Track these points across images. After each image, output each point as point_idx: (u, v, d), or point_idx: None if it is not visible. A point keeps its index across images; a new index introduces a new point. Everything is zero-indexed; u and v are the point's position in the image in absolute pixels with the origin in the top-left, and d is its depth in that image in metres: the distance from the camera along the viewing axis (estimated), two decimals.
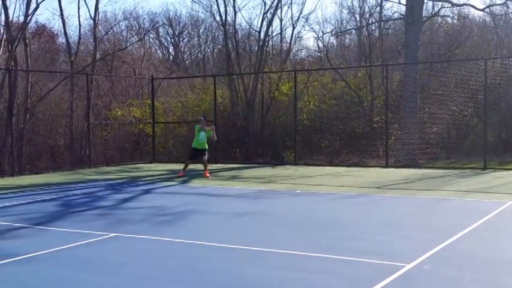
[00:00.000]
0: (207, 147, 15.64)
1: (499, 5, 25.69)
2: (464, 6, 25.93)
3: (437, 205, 10.19)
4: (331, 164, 19.37)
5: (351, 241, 7.11)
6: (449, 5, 25.52)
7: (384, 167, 17.65)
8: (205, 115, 17.85)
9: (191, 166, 19.39)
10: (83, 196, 12.02)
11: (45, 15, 66.24)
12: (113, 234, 7.69)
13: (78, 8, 24.90)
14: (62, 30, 25.45)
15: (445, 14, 27.03)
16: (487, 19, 26.89)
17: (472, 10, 27.13)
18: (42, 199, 11.58)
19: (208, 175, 15.26)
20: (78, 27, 32.61)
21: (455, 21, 27.91)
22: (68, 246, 7.04)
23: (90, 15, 25.34)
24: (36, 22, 30.26)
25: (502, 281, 5.40)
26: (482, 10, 25.33)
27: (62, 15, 24.62)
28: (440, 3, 25.48)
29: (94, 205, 10.69)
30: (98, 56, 25.59)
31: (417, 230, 7.81)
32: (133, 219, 8.98)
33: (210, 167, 18.90)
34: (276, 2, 25.48)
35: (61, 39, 29.73)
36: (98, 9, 24.93)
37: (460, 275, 5.56)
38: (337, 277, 5.53)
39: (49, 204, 10.89)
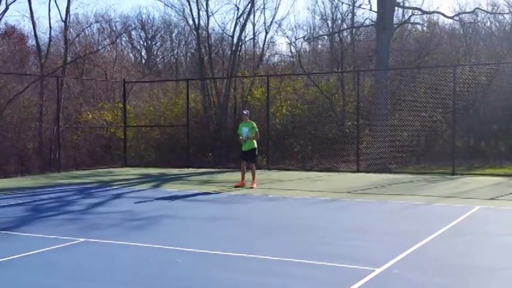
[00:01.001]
0: (255, 145, 14.03)
1: (468, 13, 26.22)
2: (434, 13, 26.46)
3: (407, 210, 10.34)
4: (303, 169, 19.48)
5: (322, 246, 7.16)
6: (420, 13, 25.99)
7: (355, 171, 17.82)
8: (247, 110, 15.45)
9: (163, 170, 19.30)
10: (52, 201, 11.86)
11: (15, 17, 65.13)
12: (83, 240, 7.60)
13: (49, 10, 24.80)
14: (32, 32, 25.10)
15: (416, 21, 27.47)
16: (456, 27, 27.41)
17: (442, 18, 27.61)
18: (10, 203, 11.38)
19: (254, 185, 13.71)
20: (48, 30, 32.17)
21: (425, 28, 28.39)
22: (37, 251, 6.94)
23: (61, 18, 25.09)
24: (5, 23, 29.73)
25: (469, 285, 5.50)
26: (452, 18, 25.83)
27: (32, 17, 24.29)
28: (410, 10, 25.92)
29: (64, 210, 10.56)
30: (68, 58, 25.28)
31: (387, 234, 7.91)
32: (104, 224, 8.89)
33: (182, 171, 18.84)
34: (249, 7, 25.60)
35: (31, 41, 29.31)
36: (69, 12, 24.66)
37: (429, 279, 5.65)
38: (307, 281, 5.56)
39: (17, 209, 10.71)
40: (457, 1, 43.96)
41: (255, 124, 14.15)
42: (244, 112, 14.45)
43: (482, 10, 25.66)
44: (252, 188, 13.57)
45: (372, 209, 10.66)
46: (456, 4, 44.71)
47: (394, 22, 23.72)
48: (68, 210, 10.45)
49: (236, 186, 13.83)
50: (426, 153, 20.84)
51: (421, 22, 28.14)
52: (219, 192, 12.96)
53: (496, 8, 26.48)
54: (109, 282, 5.61)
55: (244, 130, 14.03)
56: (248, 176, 14.08)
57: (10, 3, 21.62)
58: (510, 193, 12.37)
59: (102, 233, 8.06)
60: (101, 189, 13.82)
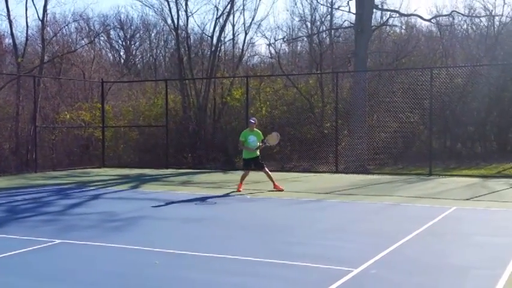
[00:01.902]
0: (258, 154, 13.61)
1: (445, 15, 26.53)
2: (412, 16, 26.71)
3: (384, 210, 10.43)
4: (282, 170, 19.52)
5: (300, 246, 7.19)
6: (398, 15, 26.23)
7: (333, 172, 17.93)
8: (254, 118, 14.77)
9: (142, 171, 19.22)
10: (28, 201, 11.72)
11: None
12: (59, 241, 7.52)
13: (26, 9, 24.21)
14: (9, 31, 24.76)
15: (393, 23, 27.75)
16: (434, 29, 27.73)
17: (419, 20, 27.87)
18: None
19: (280, 187, 13.25)
20: (25, 29, 31.77)
21: (403, 30, 28.67)
22: (13, 253, 6.85)
23: (38, 17, 24.77)
24: None
25: (445, 285, 5.57)
26: (429, 20, 26.12)
27: (8, 15, 23.94)
28: (388, 12, 26.16)
29: (40, 211, 10.44)
30: (46, 58, 24.99)
31: (365, 235, 7.97)
32: (82, 226, 8.82)
33: (161, 172, 18.76)
34: (228, 7, 25.56)
35: (8, 40, 28.89)
36: (46, 11, 24.36)
37: (406, 279, 5.71)
38: (285, 282, 5.58)
39: None
40: (435, 4, 44.61)
41: (261, 133, 13.66)
42: (252, 120, 13.66)
43: (459, 13, 26.00)
44: (281, 190, 13.03)
45: (349, 209, 10.73)
46: (433, 7, 45.14)
47: (373, 24, 23.89)
48: (44, 211, 10.33)
49: (238, 190, 13.30)
50: (403, 154, 21.04)
51: (399, 24, 28.45)
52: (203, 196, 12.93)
53: (472, 11, 26.87)
54: (85, 284, 5.56)
55: (251, 139, 13.39)
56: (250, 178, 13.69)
57: None
58: (486, 194, 12.57)
59: (79, 234, 7.99)
60: (78, 190, 13.69)
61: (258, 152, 13.52)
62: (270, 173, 13.54)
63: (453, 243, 7.47)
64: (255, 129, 13.53)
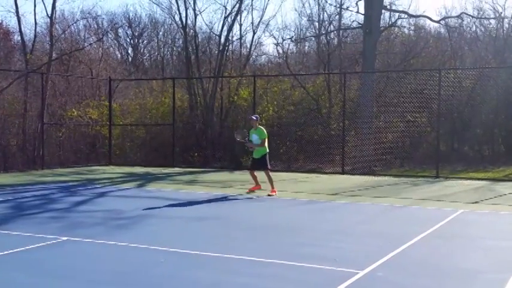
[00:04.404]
0: (266, 150, 12.95)
1: (454, 17, 26.43)
2: (421, 17, 26.62)
3: (391, 212, 10.39)
4: (289, 170, 19.51)
5: (307, 247, 7.17)
6: (406, 16, 26.15)
7: (340, 173, 17.88)
8: (257, 115, 14.48)
9: (148, 169, 19.24)
10: (35, 198, 11.75)
11: (1, 12, 64.51)
12: (66, 238, 7.54)
13: (35, 6, 24.47)
14: (17, 28, 24.84)
15: (402, 24, 27.67)
16: (442, 31, 27.63)
17: (428, 21, 27.75)
18: None
19: (273, 193, 12.52)
20: (34, 25, 31.87)
21: (411, 32, 28.57)
22: (19, 249, 6.87)
23: (47, 13, 24.84)
24: None
25: (452, 287, 5.55)
26: (438, 22, 26.02)
27: (17, 12, 24.01)
28: (397, 14, 26.08)
29: (47, 208, 10.47)
30: (54, 55, 25.05)
31: (371, 236, 7.95)
32: (88, 223, 8.83)
33: (167, 170, 18.78)
34: (237, 7, 25.54)
35: (16, 37, 29.00)
36: (55, 8, 24.34)
37: (413, 281, 5.69)
38: (291, 283, 5.57)
39: None
40: (444, 5, 44.41)
41: (264, 129, 13.07)
42: (254, 117, 13.16)
43: (468, 15, 25.89)
44: (272, 196, 12.39)
45: (355, 211, 10.70)
46: (442, 8, 45.07)
47: (381, 25, 23.84)
48: (51, 208, 10.36)
49: (251, 190, 12.99)
50: (410, 156, 20.97)
51: (407, 26, 28.36)
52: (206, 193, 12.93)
53: (481, 12, 26.73)
54: (92, 282, 5.57)
55: (254, 137, 12.95)
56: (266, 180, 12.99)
57: None
58: (493, 197, 12.50)
59: (85, 232, 8.00)
60: (84, 188, 13.73)
61: (266, 150, 12.94)
62: (271, 177, 12.87)
63: (460, 246, 7.43)
64: (258, 126, 13.06)
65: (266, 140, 12.97)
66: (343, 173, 17.87)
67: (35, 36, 25.13)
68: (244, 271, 6.03)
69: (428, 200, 11.80)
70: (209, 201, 11.68)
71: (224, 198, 12.02)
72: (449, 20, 26.60)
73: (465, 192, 13.39)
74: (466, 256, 6.83)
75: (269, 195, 12.44)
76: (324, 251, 6.97)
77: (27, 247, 7.00)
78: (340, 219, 9.70)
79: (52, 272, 5.94)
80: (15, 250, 6.84)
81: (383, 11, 23.66)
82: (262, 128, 13.17)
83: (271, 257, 6.54)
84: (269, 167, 13.05)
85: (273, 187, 12.68)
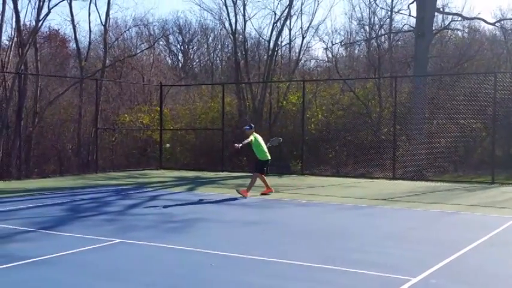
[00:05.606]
0: (267, 158, 13.49)
1: (510, 19, 25.67)
2: (475, 19, 25.95)
3: (444, 218, 10.14)
4: (337, 175, 19.32)
5: (357, 253, 7.07)
6: (460, 19, 25.53)
7: (390, 179, 17.57)
8: (251, 123, 15.19)
9: (198, 173, 19.44)
10: (89, 201, 12.04)
11: (58, 20, 66.71)
12: (119, 240, 7.68)
13: (89, 14, 25.35)
14: (73, 36, 25.63)
15: (456, 27, 27.02)
16: (498, 33, 26.86)
17: (483, 24, 27.05)
18: (49, 203, 11.60)
19: (244, 194, 12.78)
20: (88, 33, 32.75)
21: (465, 34, 27.89)
22: (73, 251, 7.04)
23: (101, 21, 25.59)
24: (48, 27, 30.46)
25: None
26: (493, 24, 25.32)
27: (72, 20, 24.83)
28: (450, 16, 25.49)
29: (101, 210, 10.71)
30: (107, 61, 25.71)
31: (424, 243, 7.77)
32: (140, 226, 8.98)
33: (217, 175, 18.92)
34: (286, 12, 25.55)
35: (72, 45, 29.92)
36: (109, 16, 25.10)
37: None
38: None
39: (55, 208, 10.91)
40: (499, 7, 43.07)
41: (252, 137, 13.33)
42: (247, 127, 13.78)
43: None
44: (243, 196, 12.63)
45: (408, 216, 10.49)
46: (498, 10, 43.80)
47: (434, 28, 23.36)
48: (104, 211, 10.59)
49: (263, 194, 13.23)
50: (464, 161, 20.44)
51: (461, 28, 27.68)
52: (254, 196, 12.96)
53: None
54: (144, 284, 5.64)
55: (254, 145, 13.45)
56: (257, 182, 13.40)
57: (52, 7, 22.17)
58: None
59: (138, 234, 8.13)
60: (137, 191, 13.97)
61: (260, 156, 13.39)
62: (255, 182, 13.19)
63: None
64: (254, 133, 13.46)
65: (246, 144, 13.28)
66: (393, 178, 17.56)
67: (90, 43, 25.89)
68: (295, 276, 5.98)
69: (484, 207, 11.45)
70: (257, 205, 11.68)
71: (272, 203, 11.99)
72: (504, 22, 25.86)
73: None
74: None
75: (239, 193, 12.71)
76: (375, 256, 6.85)
77: (81, 249, 7.16)
78: (391, 225, 9.53)
79: (105, 274, 6.06)
80: (69, 251, 7.01)
81: (436, 13, 23.18)
82: (252, 135, 13.36)
83: (322, 262, 6.48)
84: (258, 173, 13.25)
85: (248, 190, 12.92)
